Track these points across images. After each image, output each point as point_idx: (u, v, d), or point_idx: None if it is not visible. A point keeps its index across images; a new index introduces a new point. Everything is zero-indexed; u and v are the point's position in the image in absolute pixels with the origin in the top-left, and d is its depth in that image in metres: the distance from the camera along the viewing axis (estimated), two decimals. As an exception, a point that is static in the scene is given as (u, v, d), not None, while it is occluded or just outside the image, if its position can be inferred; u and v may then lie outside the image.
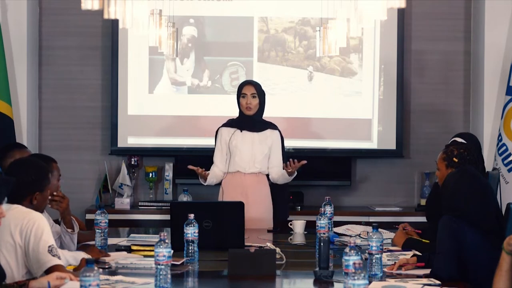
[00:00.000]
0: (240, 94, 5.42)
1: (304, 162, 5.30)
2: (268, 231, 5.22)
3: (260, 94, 5.43)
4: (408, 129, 6.80)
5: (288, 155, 6.54)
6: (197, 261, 4.13)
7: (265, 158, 5.40)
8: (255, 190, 5.36)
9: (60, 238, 4.35)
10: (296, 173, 5.36)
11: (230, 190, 5.37)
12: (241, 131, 5.41)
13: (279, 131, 5.48)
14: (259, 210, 5.31)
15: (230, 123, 5.46)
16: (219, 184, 5.46)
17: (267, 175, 5.46)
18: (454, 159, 4.34)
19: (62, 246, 4.34)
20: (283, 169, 5.33)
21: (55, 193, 4.25)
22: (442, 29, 6.79)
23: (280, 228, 5.34)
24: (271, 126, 5.47)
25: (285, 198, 5.57)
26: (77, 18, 6.68)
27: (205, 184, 5.41)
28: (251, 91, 5.40)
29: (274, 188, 5.49)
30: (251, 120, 5.42)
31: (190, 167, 5.32)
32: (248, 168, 5.37)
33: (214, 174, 5.41)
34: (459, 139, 4.79)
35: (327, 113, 6.66)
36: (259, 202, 5.34)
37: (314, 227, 4.58)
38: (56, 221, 4.56)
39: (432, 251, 3.94)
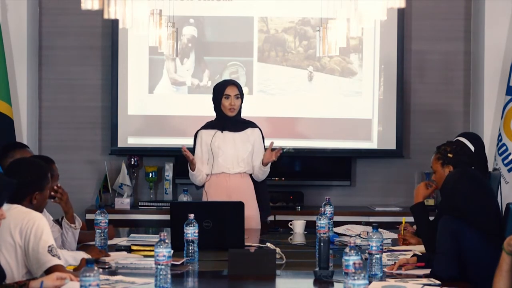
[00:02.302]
0: (222, 95, 5.31)
1: (280, 150, 5.25)
2: (268, 231, 5.22)
3: (242, 94, 5.35)
4: (408, 129, 6.80)
5: (288, 155, 6.55)
6: (197, 261, 4.13)
7: (249, 157, 5.33)
8: (239, 191, 5.27)
9: (60, 236, 4.36)
10: (268, 166, 5.27)
11: (214, 192, 5.29)
12: (221, 132, 5.35)
13: (260, 129, 5.44)
14: (245, 211, 5.24)
15: (210, 125, 5.38)
16: (203, 187, 5.40)
17: (251, 175, 5.40)
18: (449, 154, 4.34)
19: (63, 243, 4.35)
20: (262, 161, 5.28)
21: (55, 187, 4.32)
22: (442, 29, 6.79)
23: (264, 229, 5.33)
24: (251, 124, 5.40)
25: (265, 198, 5.49)
26: (77, 18, 6.68)
27: (193, 174, 5.28)
28: (234, 92, 5.30)
29: (255, 187, 5.43)
30: (231, 121, 5.34)
31: (184, 149, 5.24)
32: (232, 168, 5.31)
33: (200, 172, 5.35)
34: (462, 139, 4.79)
35: (327, 113, 6.65)
36: (244, 203, 5.25)
37: (314, 227, 4.58)
38: (56, 221, 4.57)
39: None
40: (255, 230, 5.23)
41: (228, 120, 5.32)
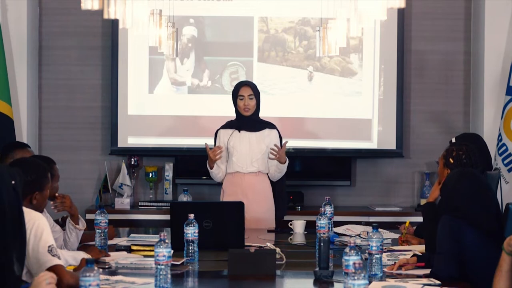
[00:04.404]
0: (237, 96, 5.43)
1: (286, 142, 5.37)
2: (268, 231, 5.22)
3: (257, 94, 5.45)
4: (408, 129, 6.80)
5: (288, 155, 6.54)
6: (197, 261, 4.13)
7: (263, 157, 5.40)
8: (255, 189, 5.36)
9: (61, 236, 4.36)
10: (287, 160, 5.36)
11: (230, 191, 5.38)
12: (239, 131, 5.42)
13: (278, 130, 5.49)
14: (260, 210, 5.31)
15: (229, 125, 5.48)
16: (221, 185, 5.46)
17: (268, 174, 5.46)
18: (450, 159, 4.36)
19: (65, 243, 4.35)
20: (271, 157, 5.33)
21: (56, 195, 4.33)
22: (442, 29, 6.79)
23: (280, 227, 5.35)
24: (269, 125, 5.48)
25: (282, 196, 5.55)
26: (77, 18, 6.68)
27: (212, 172, 5.40)
28: (248, 93, 5.41)
29: (272, 186, 5.48)
30: (249, 120, 5.43)
31: (207, 146, 5.35)
32: (246, 167, 5.38)
33: (220, 169, 5.43)
34: (454, 140, 4.80)
35: (327, 113, 6.66)
36: (259, 201, 5.34)
37: (314, 227, 4.58)
38: (57, 221, 4.57)
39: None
40: (257, 230, 5.22)
41: (246, 120, 5.41)
